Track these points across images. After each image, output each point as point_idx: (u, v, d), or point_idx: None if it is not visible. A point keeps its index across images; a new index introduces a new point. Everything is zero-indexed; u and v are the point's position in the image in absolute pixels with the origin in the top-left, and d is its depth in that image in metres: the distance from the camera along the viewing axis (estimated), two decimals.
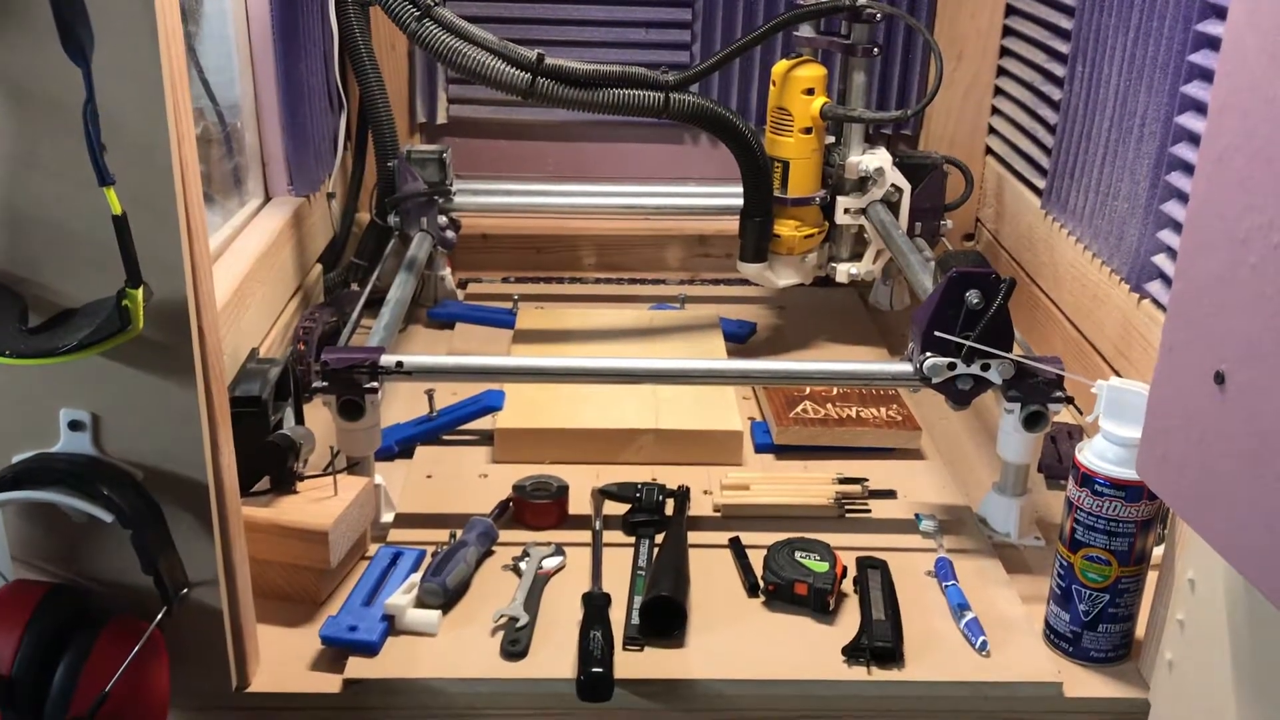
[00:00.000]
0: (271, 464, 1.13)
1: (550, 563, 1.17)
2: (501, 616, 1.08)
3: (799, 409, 1.43)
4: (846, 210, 1.67)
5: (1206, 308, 0.74)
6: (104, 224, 0.79)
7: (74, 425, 0.89)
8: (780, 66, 1.59)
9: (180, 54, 0.83)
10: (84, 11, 0.75)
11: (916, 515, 1.28)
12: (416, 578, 1.10)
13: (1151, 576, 1.06)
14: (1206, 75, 1.24)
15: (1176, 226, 1.30)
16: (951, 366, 1.20)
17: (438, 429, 1.42)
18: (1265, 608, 0.85)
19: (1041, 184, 1.71)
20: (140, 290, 0.80)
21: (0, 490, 0.86)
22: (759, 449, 1.42)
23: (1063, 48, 1.65)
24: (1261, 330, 0.68)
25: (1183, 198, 1.28)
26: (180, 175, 0.84)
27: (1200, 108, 1.25)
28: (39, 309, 0.85)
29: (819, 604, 1.10)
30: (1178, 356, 0.77)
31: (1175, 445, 0.78)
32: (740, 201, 1.60)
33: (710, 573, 1.17)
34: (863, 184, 1.67)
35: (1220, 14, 1.22)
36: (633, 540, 1.21)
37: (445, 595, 1.09)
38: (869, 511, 1.29)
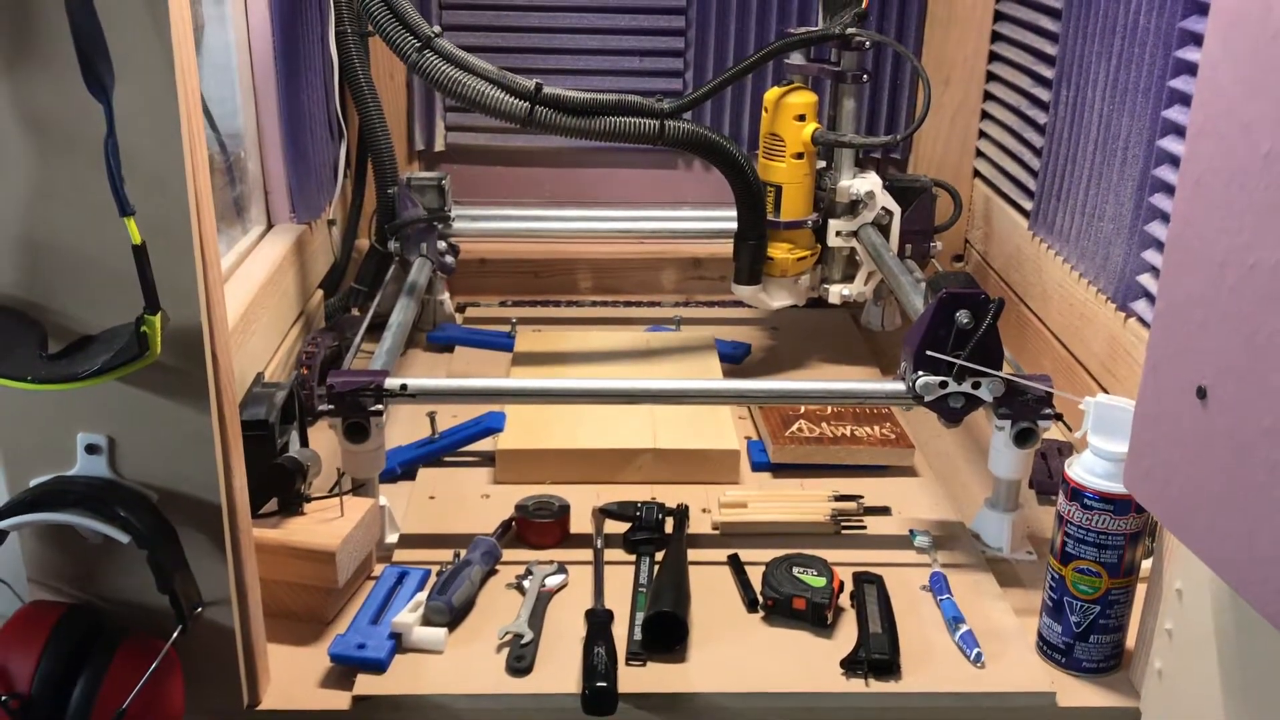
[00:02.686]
0: (279, 486, 1.15)
1: (553, 580, 1.19)
2: (506, 633, 1.10)
3: (794, 428, 1.45)
4: (838, 233, 1.70)
5: (1188, 326, 0.75)
6: (120, 252, 0.81)
7: (91, 449, 0.91)
8: (772, 93, 1.62)
9: (195, 88, 0.86)
10: (105, 48, 0.78)
11: (911, 531, 1.30)
12: (422, 596, 1.12)
13: (1141, 588, 1.08)
14: (1186, 100, 1.27)
15: (1160, 247, 1.33)
16: (943, 385, 1.22)
17: (440, 451, 1.44)
18: (1251, 616, 0.86)
19: (1028, 206, 1.74)
20: (158, 316, 0.82)
21: (19, 513, 0.88)
22: (756, 467, 1.44)
23: (1047, 73, 1.69)
24: (1240, 347, 0.70)
25: (1166, 219, 1.31)
26: (195, 204, 0.86)
27: (1181, 131, 1.28)
28: (58, 336, 0.87)
29: (817, 618, 1.12)
30: (1162, 373, 0.79)
31: (1160, 459, 0.80)
32: (734, 225, 1.62)
33: (710, 589, 1.18)
34: (854, 207, 1.69)
35: (1199, 41, 1.24)
36: (633, 558, 1.23)
37: (451, 613, 1.11)
38: (865, 528, 1.31)
